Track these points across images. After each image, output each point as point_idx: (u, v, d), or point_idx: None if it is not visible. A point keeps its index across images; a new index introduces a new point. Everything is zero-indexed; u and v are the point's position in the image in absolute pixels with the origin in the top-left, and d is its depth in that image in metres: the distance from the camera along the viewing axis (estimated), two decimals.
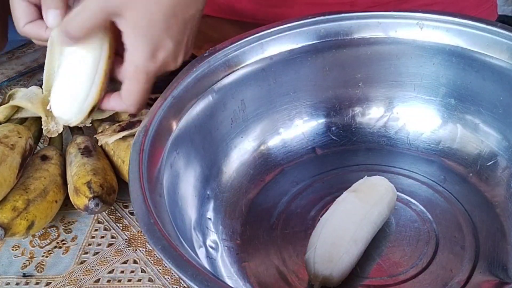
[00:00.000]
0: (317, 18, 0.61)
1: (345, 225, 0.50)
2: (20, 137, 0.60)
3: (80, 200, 0.56)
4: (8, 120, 0.65)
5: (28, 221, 0.55)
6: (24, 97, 0.63)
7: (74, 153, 0.61)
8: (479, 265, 0.51)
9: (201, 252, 0.51)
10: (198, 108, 0.57)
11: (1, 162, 0.56)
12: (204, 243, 0.52)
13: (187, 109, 0.55)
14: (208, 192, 0.57)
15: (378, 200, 0.52)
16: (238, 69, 0.59)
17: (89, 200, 0.56)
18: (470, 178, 0.58)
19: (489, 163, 0.58)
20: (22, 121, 0.66)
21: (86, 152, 0.61)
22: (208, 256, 0.51)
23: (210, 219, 0.55)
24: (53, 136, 0.63)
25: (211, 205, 0.56)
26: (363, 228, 0.50)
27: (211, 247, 0.53)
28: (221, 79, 0.59)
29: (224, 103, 0.59)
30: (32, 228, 0.56)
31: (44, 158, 0.61)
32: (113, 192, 0.58)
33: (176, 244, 0.42)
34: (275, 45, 0.60)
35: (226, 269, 0.52)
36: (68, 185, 0.59)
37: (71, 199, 0.58)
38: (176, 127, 0.54)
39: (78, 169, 0.59)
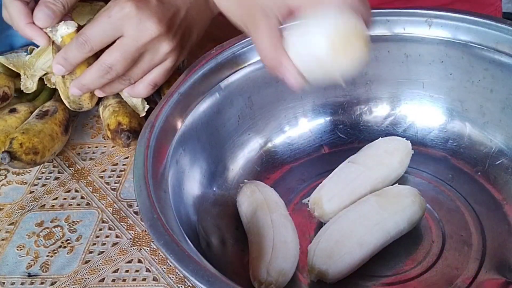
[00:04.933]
0: None
1: (355, 227, 0.50)
2: None
3: None
4: None
5: None
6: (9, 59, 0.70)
7: (35, 113, 0.67)
8: (485, 264, 0.50)
9: (206, 249, 0.51)
10: (205, 105, 0.57)
11: None
12: (209, 239, 0.53)
13: (193, 106, 0.56)
14: (214, 189, 0.57)
15: (398, 210, 0.51)
16: (245, 66, 0.60)
17: (1, 153, 0.61)
18: (478, 177, 0.58)
19: (497, 162, 0.58)
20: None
21: (41, 115, 0.66)
22: (213, 253, 0.52)
23: (215, 215, 0.55)
24: (29, 92, 0.69)
25: (217, 202, 0.56)
26: (374, 234, 0.50)
27: (216, 244, 0.53)
28: (228, 76, 0.59)
29: (231, 100, 0.59)
30: None
31: (13, 110, 0.67)
32: (33, 153, 0.62)
33: (179, 240, 0.42)
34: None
35: (231, 266, 0.52)
36: None
37: None
38: (183, 123, 0.54)
39: (20, 127, 0.64)
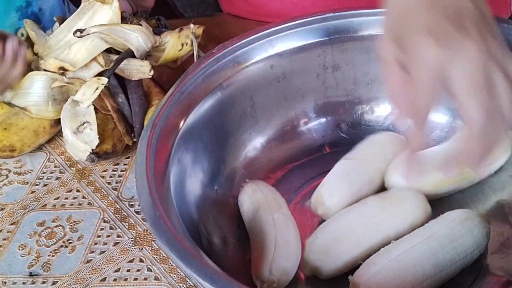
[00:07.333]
0: (326, 15, 0.61)
1: (354, 226, 0.50)
2: None
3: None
4: None
5: None
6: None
7: None
8: (487, 263, 0.50)
9: (208, 247, 0.51)
10: (206, 104, 0.57)
11: None
12: (211, 237, 0.52)
13: (195, 105, 0.56)
14: (215, 188, 0.57)
15: (399, 213, 0.51)
16: (247, 65, 0.60)
17: (90, 154, 0.62)
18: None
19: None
20: None
21: None
22: (215, 251, 0.52)
23: (217, 214, 0.55)
24: None
25: (218, 201, 0.56)
26: (372, 234, 0.50)
27: (218, 243, 0.53)
28: (230, 75, 0.59)
29: (233, 100, 0.59)
30: None
31: None
32: (110, 151, 0.64)
33: (182, 238, 0.42)
34: (284, 42, 0.61)
35: (233, 265, 0.52)
36: None
37: None
38: (184, 122, 0.54)
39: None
